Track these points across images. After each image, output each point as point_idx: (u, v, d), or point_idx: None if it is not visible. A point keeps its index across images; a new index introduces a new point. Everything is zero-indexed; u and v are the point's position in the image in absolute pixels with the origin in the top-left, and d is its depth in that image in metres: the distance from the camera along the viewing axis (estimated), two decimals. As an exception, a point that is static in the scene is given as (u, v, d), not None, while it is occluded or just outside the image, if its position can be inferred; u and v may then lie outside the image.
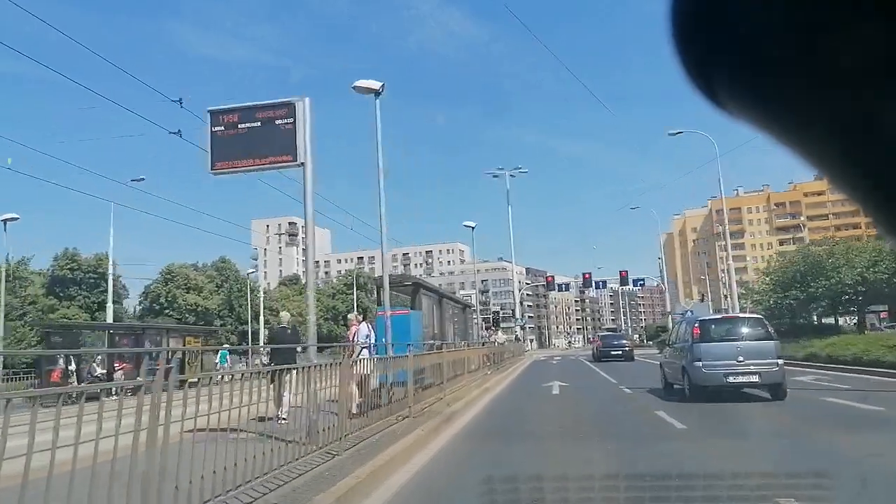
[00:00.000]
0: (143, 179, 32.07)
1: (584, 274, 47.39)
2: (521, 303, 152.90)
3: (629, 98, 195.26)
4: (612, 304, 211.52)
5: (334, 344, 29.87)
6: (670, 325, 45.15)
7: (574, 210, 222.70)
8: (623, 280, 46.88)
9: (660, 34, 0.50)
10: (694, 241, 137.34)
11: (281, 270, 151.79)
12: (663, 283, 47.96)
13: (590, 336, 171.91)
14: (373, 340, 11.08)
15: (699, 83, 0.50)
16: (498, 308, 49.82)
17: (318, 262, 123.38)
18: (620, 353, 28.45)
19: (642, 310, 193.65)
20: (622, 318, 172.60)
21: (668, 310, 48.24)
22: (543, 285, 46.41)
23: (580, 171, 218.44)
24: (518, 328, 45.18)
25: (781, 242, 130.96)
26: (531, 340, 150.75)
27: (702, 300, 56.78)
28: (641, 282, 47.55)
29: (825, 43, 0.42)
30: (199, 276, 74.71)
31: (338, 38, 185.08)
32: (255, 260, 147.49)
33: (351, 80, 12.83)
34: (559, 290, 46.21)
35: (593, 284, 47.11)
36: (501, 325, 46.22)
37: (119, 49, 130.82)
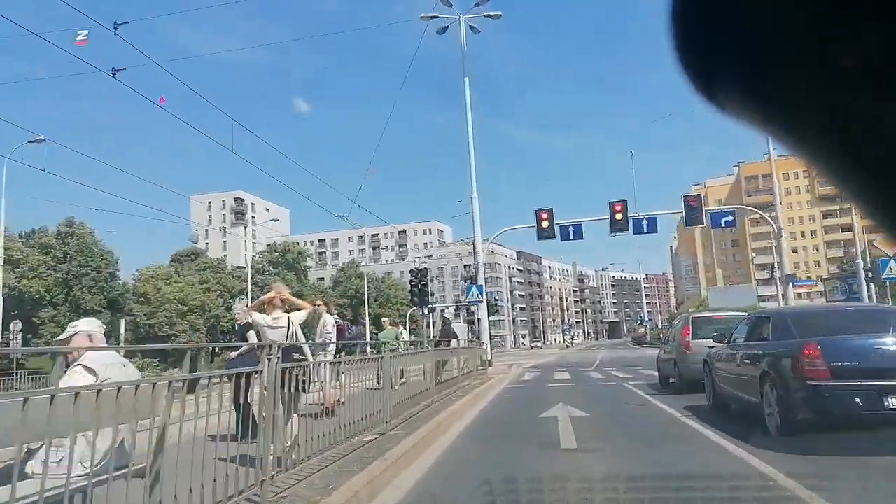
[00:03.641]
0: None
1: (612, 205, 24.05)
2: (510, 281, 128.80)
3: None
4: (614, 294, 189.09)
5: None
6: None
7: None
8: (690, 213, 23.55)
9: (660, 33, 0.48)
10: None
11: (226, 255, 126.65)
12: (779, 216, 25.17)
13: (667, 325, 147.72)
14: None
15: (699, 84, 0.49)
16: (423, 265, 24.25)
17: (273, 243, 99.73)
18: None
19: (650, 300, 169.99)
20: (645, 307, 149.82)
21: (783, 274, 25.07)
22: (533, 228, 22.50)
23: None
24: (472, 315, 21.54)
25: (826, 215, 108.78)
26: (523, 336, 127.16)
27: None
28: (730, 219, 24.20)
29: (825, 44, 0.42)
30: (25, 244, 50.15)
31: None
32: (195, 242, 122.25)
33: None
34: (563, 239, 21.24)
35: (630, 224, 23.59)
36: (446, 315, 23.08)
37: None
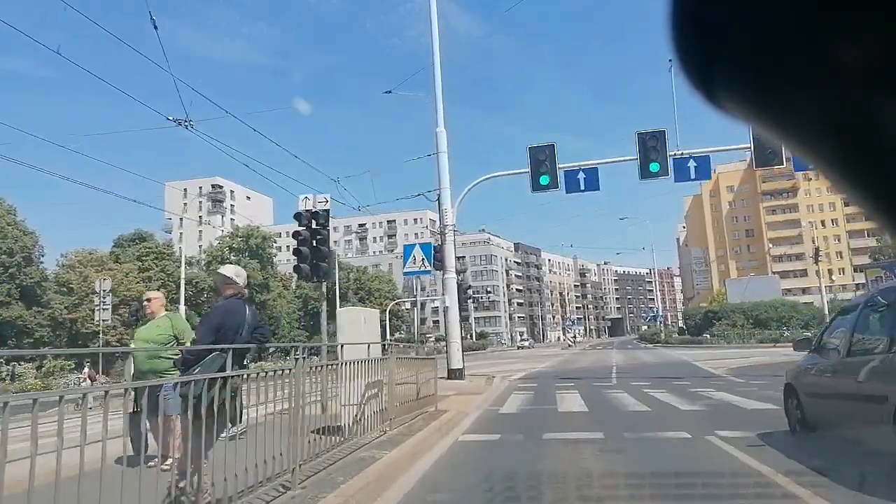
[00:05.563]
0: None
1: (643, 138, 16.11)
2: (506, 274, 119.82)
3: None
4: (616, 289, 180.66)
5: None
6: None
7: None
8: (761, 149, 15.69)
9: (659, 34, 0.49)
10: (730, 202, 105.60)
11: (200, 245, 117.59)
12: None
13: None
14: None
15: (698, 84, 0.49)
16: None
17: (236, 227, 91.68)
18: None
19: (654, 296, 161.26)
20: (657, 302, 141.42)
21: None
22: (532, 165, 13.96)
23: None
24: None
25: (847, 203, 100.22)
26: (520, 334, 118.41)
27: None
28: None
29: (825, 44, 0.42)
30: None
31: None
32: (170, 233, 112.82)
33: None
34: (569, 191, 12.55)
35: (670, 166, 15.53)
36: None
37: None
